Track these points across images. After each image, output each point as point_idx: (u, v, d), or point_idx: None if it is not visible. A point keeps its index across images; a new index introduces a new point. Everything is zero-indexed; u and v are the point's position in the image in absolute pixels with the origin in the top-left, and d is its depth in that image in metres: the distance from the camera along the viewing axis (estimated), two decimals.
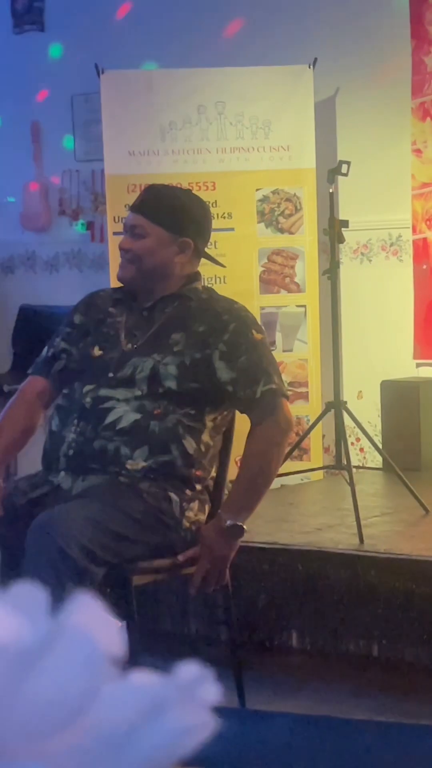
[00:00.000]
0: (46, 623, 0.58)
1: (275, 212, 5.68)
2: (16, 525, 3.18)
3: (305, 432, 5.24)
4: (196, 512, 3.32)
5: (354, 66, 5.89)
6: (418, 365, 5.82)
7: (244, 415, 3.37)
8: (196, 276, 3.50)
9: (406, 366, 5.79)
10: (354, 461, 5.05)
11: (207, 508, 3.37)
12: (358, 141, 5.86)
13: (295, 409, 4.44)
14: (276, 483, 3.80)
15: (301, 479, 5.49)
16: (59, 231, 6.82)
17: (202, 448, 3.33)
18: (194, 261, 3.48)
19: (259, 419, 3.31)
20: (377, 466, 5.57)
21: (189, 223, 3.42)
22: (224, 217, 5.57)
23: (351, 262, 5.93)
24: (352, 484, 4.59)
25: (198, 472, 3.32)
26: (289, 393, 3.68)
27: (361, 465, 5.68)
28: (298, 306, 5.68)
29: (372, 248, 5.98)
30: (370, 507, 4.85)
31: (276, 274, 5.69)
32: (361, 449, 5.85)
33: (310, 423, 5.32)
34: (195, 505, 3.32)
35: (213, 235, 3.67)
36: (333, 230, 4.92)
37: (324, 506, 5.14)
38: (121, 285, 3.51)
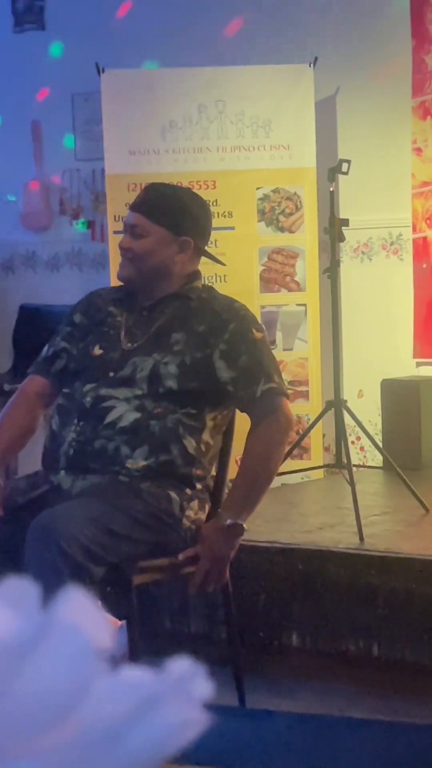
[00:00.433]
0: (36, 618, 0.57)
1: (276, 211, 5.68)
2: (16, 524, 3.18)
3: (305, 431, 5.24)
4: (196, 511, 3.31)
5: (354, 65, 5.90)
6: (418, 364, 5.82)
7: (245, 415, 3.36)
8: (197, 275, 3.49)
9: (406, 365, 5.80)
10: (354, 460, 5.05)
11: (207, 507, 3.37)
12: (359, 140, 5.86)
13: (296, 408, 4.43)
14: (276, 482, 3.79)
15: (302, 478, 5.49)
16: (60, 230, 6.81)
17: (203, 448, 3.33)
18: (194, 260, 3.48)
19: (259, 418, 3.31)
20: (377, 465, 5.57)
21: (189, 222, 3.41)
22: (225, 216, 5.57)
23: (351, 261, 5.93)
24: (352, 483, 4.59)
25: (198, 472, 3.32)
26: (290, 392, 3.67)
27: (361, 464, 5.68)
28: (298, 305, 5.68)
29: (372, 247, 5.98)
30: (370, 506, 4.85)
31: (276, 273, 5.68)
32: (362, 448, 5.85)
33: (311, 422, 5.32)
34: (195, 504, 3.31)
35: (213, 234, 3.67)
36: (333, 229, 4.92)
37: (324, 505, 5.14)
38: (122, 284, 3.51)
